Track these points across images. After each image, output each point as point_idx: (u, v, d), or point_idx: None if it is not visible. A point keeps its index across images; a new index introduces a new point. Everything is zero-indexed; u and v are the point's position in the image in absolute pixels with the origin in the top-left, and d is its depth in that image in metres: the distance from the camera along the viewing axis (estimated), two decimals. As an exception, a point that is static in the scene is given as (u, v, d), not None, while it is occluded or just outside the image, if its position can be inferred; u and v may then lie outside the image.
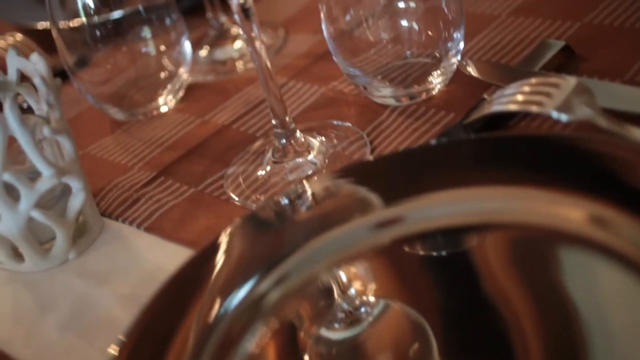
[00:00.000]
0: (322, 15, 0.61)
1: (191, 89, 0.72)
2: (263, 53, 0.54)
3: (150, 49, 0.70)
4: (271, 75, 0.55)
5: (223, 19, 0.77)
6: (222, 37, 0.77)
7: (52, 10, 0.67)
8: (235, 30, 0.77)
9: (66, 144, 0.54)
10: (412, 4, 0.60)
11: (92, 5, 0.66)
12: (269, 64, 0.55)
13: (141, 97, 0.70)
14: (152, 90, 0.70)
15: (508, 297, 0.42)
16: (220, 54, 0.76)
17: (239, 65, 0.74)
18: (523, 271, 0.43)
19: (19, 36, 0.86)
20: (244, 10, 0.53)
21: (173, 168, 0.62)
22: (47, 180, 0.52)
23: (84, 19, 0.67)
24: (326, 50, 0.69)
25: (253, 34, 0.54)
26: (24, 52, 0.83)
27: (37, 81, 0.53)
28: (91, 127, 0.71)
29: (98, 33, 0.68)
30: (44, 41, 0.85)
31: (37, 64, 0.55)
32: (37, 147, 0.51)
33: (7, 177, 0.51)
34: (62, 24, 0.67)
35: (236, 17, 0.53)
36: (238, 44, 0.77)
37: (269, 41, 0.76)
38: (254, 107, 0.67)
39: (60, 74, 0.80)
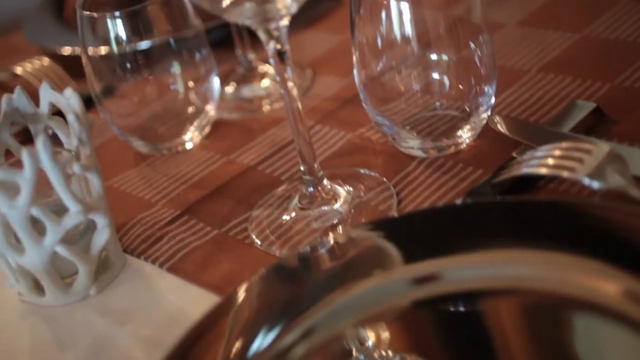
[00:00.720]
0: (354, 60, 0.61)
1: (216, 126, 0.72)
2: (295, 95, 0.54)
3: (179, 83, 0.71)
4: (302, 119, 0.56)
5: (252, 56, 0.77)
6: (250, 74, 0.77)
7: (83, 36, 0.67)
8: (263, 68, 0.78)
9: (95, 181, 0.54)
10: (445, 57, 0.60)
11: (123, 33, 0.67)
12: (300, 106, 0.55)
13: (166, 132, 0.70)
14: (178, 125, 0.71)
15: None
16: (247, 91, 0.76)
17: (265, 104, 0.74)
18: (539, 334, 0.43)
19: (46, 61, 0.87)
20: (279, 54, 0.53)
21: (197, 207, 0.62)
22: (74, 216, 0.52)
23: (114, 47, 0.67)
24: (354, 95, 0.70)
25: (286, 76, 0.54)
26: (50, 77, 0.84)
27: (70, 118, 0.53)
28: (115, 158, 0.72)
29: (127, 63, 0.68)
30: (69, 66, 0.86)
31: (70, 99, 0.55)
32: (66, 183, 0.51)
33: (34, 211, 0.51)
34: (92, 51, 0.67)
35: (271, 60, 0.54)
36: (265, 82, 0.77)
37: (296, 81, 0.76)
38: (279, 149, 0.67)
39: (86, 101, 0.80)
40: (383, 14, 0.58)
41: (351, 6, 0.59)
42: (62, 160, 0.52)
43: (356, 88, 0.62)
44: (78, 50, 0.86)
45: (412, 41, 0.59)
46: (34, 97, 0.83)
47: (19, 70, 0.85)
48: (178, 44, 0.69)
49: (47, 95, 0.57)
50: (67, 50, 0.88)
